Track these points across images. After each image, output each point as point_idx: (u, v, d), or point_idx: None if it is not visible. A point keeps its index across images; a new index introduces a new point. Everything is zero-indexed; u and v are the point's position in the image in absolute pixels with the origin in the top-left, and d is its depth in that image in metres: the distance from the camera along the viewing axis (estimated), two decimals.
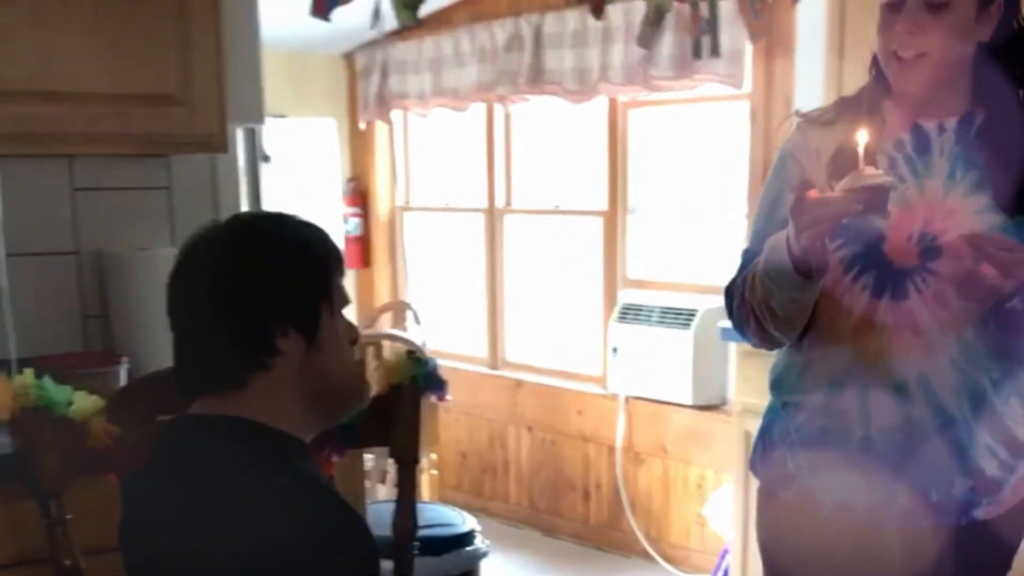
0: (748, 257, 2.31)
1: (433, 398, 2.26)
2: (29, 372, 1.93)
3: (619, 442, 5.67)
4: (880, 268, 2.22)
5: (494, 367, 6.55)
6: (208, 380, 1.77)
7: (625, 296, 5.72)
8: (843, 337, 2.25)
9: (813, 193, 2.00)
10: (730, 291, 2.35)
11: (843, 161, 2.08)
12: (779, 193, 2.31)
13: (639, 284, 5.77)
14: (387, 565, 2.23)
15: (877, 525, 2.27)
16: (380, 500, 4.95)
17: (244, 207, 3.47)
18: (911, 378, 2.21)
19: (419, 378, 2.19)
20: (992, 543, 2.31)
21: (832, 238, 2.12)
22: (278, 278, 1.75)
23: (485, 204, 6.57)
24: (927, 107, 2.25)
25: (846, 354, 2.25)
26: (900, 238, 2.21)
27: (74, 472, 1.96)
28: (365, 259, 7.15)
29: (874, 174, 1.97)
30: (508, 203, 6.50)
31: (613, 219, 5.85)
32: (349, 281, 7.13)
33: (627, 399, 5.61)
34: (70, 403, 1.93)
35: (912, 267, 2.21)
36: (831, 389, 2.28)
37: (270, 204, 5.08)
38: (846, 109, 2.31)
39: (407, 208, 7.17)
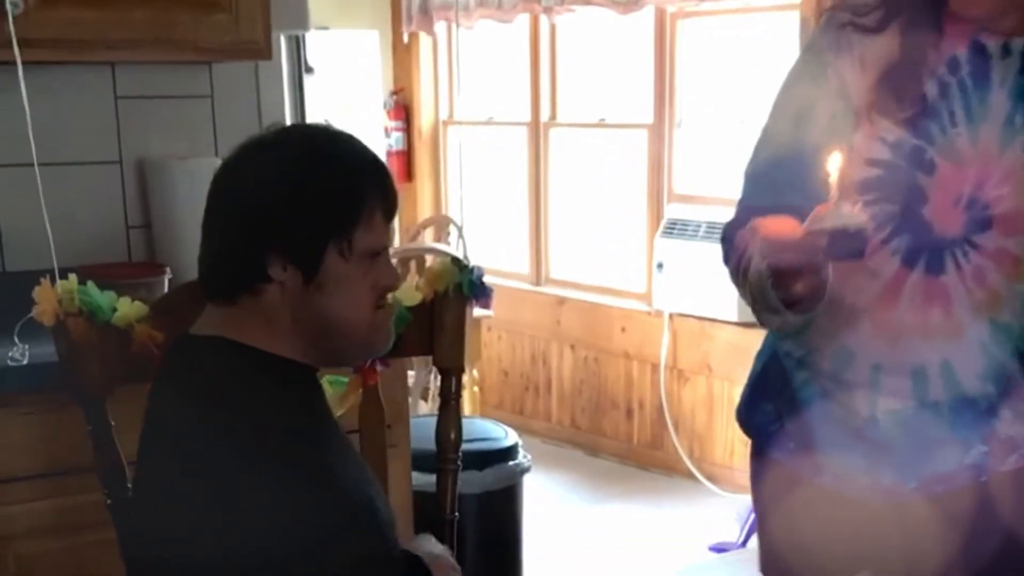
0: (751, 191, 1.99)
1: (478, 306, 2.23)
2: (73, 278, 1.91)
3: (663, 360, 5.65)
4: (916, 234, 1.88)
5: (537, 284, 6.52)
6: (207, 289, 1.75)
7: (671, 211, 5.67)
8: (861, 305, 1.93)
9: (769, 229, 1.73)
10: (726, 241, 1.97)
11: (898, 84, 1.84)
12: (812, 105, 1.93)
13: (685, 199, 5.71)
14: (430, 479, 2.22)
15: (885, 498, 2.00)
16: (422, 415, 4.95)
17: (288, 118, 3.44)
18: (932, 364, 1.92)
19: (464, 285, 2.15)
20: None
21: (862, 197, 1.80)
22: (285, 205, 1.67)
23: (529, 118, 6.52)
24: (994, 19, 1.85)
25: (863, 325, 1.94)
26: (945, 201, 1.87)
27: (118, 379, 1.94)
28: (408, 173, 7.11)
29: (850, 214, 1.64)
30: (553, 117, 6.44)
31: (659, 132, 5.78)
32: None
33: (671, 316, 5.57)
34: (114, 309, 1.91)
35: (954, 237, 1.88)
36: (839, 357, 1.98)
37: (313, 115, 5.05)
38: (898, 9, 1.90)
39: (451, 122, 7.12)
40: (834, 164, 1.64)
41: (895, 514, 2.00)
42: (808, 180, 1.79)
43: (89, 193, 3.08)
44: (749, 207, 1.94)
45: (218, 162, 1.79)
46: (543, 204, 6.52)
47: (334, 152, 1.72)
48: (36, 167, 2.48)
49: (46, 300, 1.90)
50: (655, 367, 5.71)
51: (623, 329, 5.90)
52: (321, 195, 1.67)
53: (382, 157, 1.80)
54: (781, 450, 2.07)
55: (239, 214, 1.69)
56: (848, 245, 1.65)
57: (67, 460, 2.45)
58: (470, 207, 6.99)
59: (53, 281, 1.92)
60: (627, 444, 5.89)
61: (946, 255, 1.88)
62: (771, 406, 2.09)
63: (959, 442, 1.96)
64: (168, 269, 2.91)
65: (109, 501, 1.96)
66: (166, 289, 2.81)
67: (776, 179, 1.93)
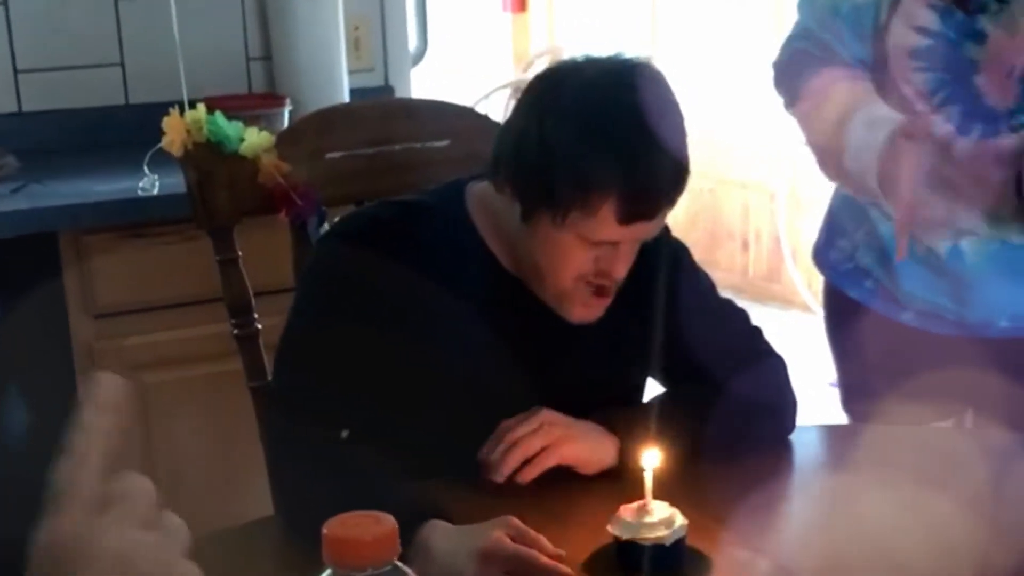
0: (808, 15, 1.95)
1: None
2: (201, 108, 1.91)
3: (781, 190, 5.56)
4: (969, 103, 1.80)
5: None
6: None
7: None
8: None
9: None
10: (785, 85, 1.98)
11: None
12: None
13: None
14: None
15: (975, 334, 1.95)
16: None
17: None
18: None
19: None
20: None
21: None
22: (518, 151, 1.58)
23: None
24: None
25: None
26: (998, 72, 1.79)
27: (245, 209, 1.94)
28: (521, 3, 7.01)
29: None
30: None
31: None
32: (504, 25, 7.04)
33: (791, 144, 5.47)
34: (241, 139, 1.91)
35: (1008, 109, 1.79)
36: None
37: None
38: None
39: None
40: None
41: (985, 352, 1.94)
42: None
43: (209, 25, 3.07)
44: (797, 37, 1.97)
45: None
46: (656, 32, 6.39)
47: (598, 127, 1.52)
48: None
49: (175, 130, 1.89)
50: (773, 197, 5.63)
51: (740, 159, 5.81)
52: (545, 161, 1.54)
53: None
54: (857, 288, 2.04)
55: (512, 117, 1.63)
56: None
57: (195, 291, 2.49)
58: (583, 38, 6.88)
59: (181, 112, 1.91)
60: (743, 276, 5.85)
61: (1001, 126, 1.79)
62: (847, 242, 2.06)
63: None
64: (288, 100, 2.90)
65: (236, 332, 1.97)
66: (286, 121, 2.82)
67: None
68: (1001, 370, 1.93)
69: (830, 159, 1.88)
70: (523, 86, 1.66)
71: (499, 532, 1.34)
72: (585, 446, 1.61)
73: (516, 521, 1.36)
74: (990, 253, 1.89)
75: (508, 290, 1.69)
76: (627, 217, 1.53)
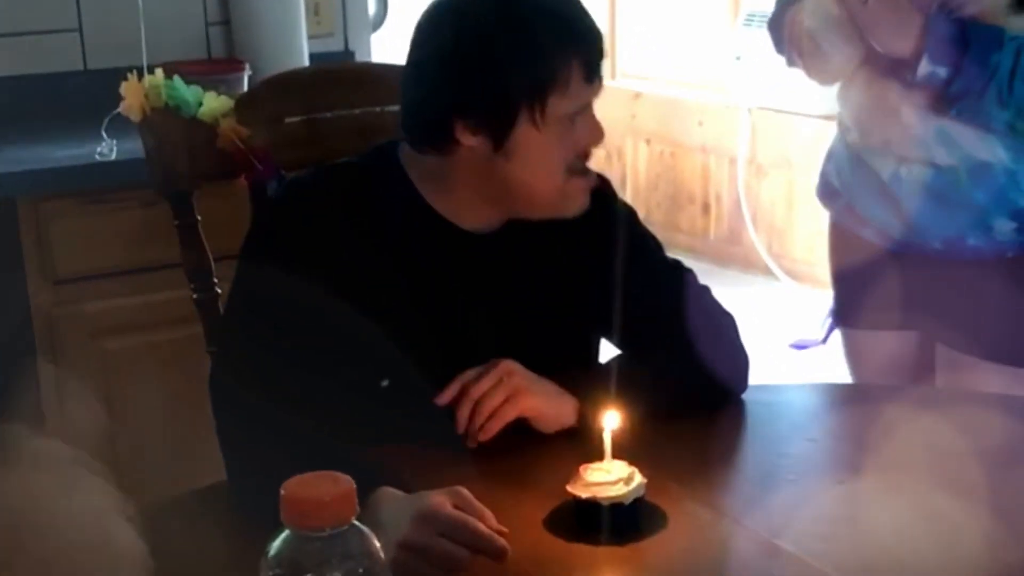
0: None
1: None
2: (160, 73, 1.91)
3: (742, 154, 5.58)
4: None
5: (612, 77, 6.42)
6: (405, 134, 1.69)
7: (749, 2, 5.53)
8: (868, 80, 2.16)
9: None
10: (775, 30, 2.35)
11: None
12: None
13: None
14: None
15: (917, 256, 2.19)
16: None
17: None
18: (929, 134, 2.09)
19: None
20: None
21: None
22: (474, 67, 1.57)
23: None
24: None
25: (872, 100, 2.16)
26: None
27: (204, 174, 1.94)
28: None
29: None
30: None
31: None
32: None
33: (750, 109, 5.49)
34: (200, 104, 1.90)
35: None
36: (860, 126, 2.20)
37: None
38: None
39: None
40: None
41: (929, 270, 2.17)
42: None
43: None
44: None
45: None
46: None
47: (532, 6, 1.58)
48: None
49: (133, 95, 1.89)
50: (733, 161, 5.64)
51: (700, 123, 5.82)
52: (512, 59, 1.56)
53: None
54: (833, 206, 2.35)
55: (432, 70, 1.61)
56: None
57: (154, 256, 2.48)
58: None
59: (139, 76, 1.91)
60: (704, 240, 5.87)
61: None
62: (831, 166, 2.33)
63: (981, 210, 2.09)
64: (247, 65, 2.89)
65: (195, 296, 1.97)
66: (246, 86, 2.80)
67: None
68: (943, 292, 2.18)
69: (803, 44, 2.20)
70: None
71: (441, 498, 1.33)
72: (544, 400, 1.62)
73: (465, 492, 1.36)
74: (924, 180, 2.11)
75: (454, 244, 1.70)
76: (591, 73, 1.60)
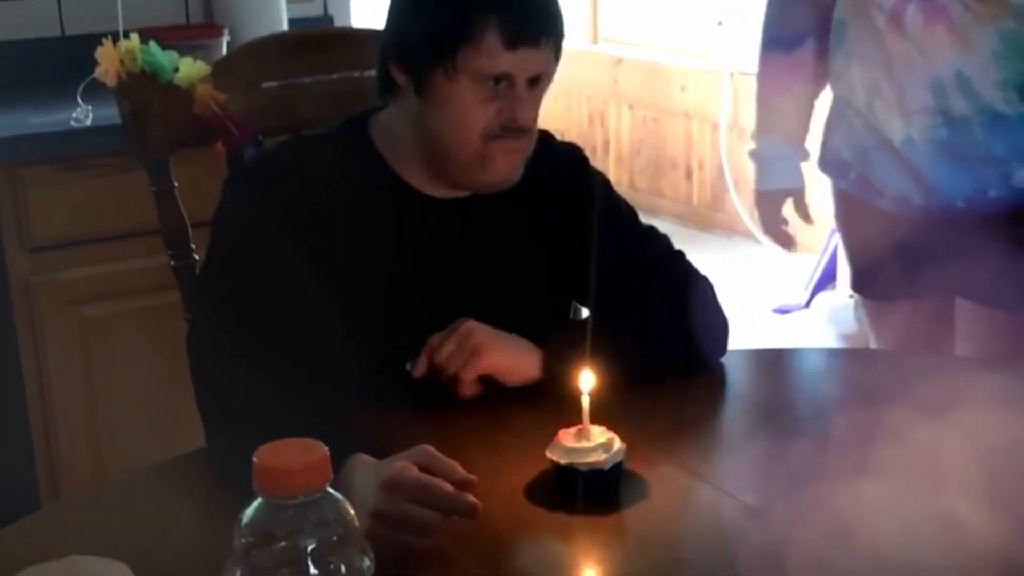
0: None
1: None
2: (135, 37, 1.89)
3: (724, 119, 5.57)
4: None
5: (594, 42, 6.41)
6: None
7: None
8: (874, 37, 2.13)
9: None
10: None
11: None
12: None
13: None
14: None
15: (940, 218, 2.16)
16: None
17: None
18: (947, 75, 2.06)
19: None
20: None
21: None
22: (399, 15, 1.65)
23: None
24: None
25: (878, 55, 2.13)
26: None
27: (180, 140, 1.93)
28: None
29: None
30: None
31: None
32: None
33: (733, 74, 5.47)
34: (176, 69, 1.89)
35: None
36: (869, 89, 2.17)
37: None
38: None
39: None
40: None
41: (953, 233, 2.15)
42: None
43: None
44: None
45: None
46: None
47: None
48: None
49: (108, 60, 1.88)
50: (715, 126, 5.64)
51: (683, 88, 5.81)
52: (425, 9, 1.61)
53: None
54: (844, 179, 2.30)
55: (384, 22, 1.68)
56: None
57: (132, 223, 2.47)
58: None
59: (115, 42, 1.89)
60: (686, 205, 5.87)
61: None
62: (833, 140, 2.31)
63: (1000, 161, 2.09)
64: (226, 31, 2.87)
65: (173, 263, 1.96)
66: (224, 51, 2.79)
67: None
68: (969, 248, 2.14)
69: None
70: None
71: (404, 462, 1.31)
72: (506, 355, 1.63)
73: (431, 450, 1.34)
74: (938, 140, 2.09)
75: (424, 212, 1.70)
76: (512, 38, 1.56)
